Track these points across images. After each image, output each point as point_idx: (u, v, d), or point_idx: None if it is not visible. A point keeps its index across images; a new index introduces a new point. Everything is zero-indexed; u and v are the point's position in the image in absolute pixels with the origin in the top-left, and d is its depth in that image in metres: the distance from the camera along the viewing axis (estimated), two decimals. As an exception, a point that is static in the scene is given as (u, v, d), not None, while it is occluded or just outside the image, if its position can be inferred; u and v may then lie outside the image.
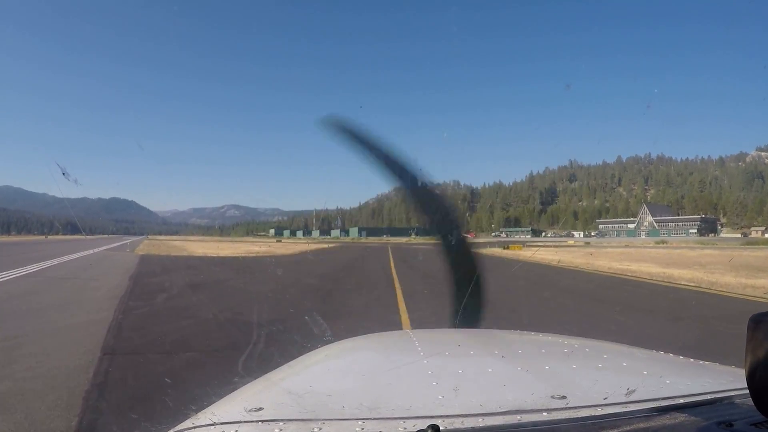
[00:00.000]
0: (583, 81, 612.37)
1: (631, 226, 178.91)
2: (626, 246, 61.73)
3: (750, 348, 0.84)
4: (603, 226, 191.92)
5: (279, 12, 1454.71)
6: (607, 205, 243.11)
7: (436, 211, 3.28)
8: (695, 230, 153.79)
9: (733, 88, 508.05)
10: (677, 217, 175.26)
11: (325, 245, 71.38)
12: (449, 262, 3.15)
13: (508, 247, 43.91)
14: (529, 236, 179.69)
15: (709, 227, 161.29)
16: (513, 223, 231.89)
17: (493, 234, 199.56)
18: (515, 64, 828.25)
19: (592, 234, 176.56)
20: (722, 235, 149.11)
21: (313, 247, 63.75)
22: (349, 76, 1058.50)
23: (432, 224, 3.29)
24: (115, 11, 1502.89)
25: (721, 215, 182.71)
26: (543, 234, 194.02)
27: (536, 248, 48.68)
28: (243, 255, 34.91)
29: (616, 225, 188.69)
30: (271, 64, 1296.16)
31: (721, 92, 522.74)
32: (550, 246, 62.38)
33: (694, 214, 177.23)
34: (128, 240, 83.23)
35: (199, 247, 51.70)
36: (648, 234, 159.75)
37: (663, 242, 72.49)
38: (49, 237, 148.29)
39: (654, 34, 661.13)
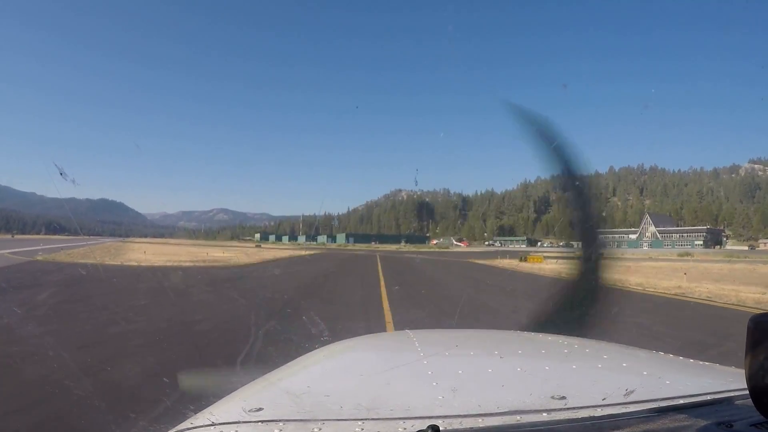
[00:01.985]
0: (575, 90, 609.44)
1: (633, 236, 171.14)
2: (650, 258, 53.45)
3: (750, 348, 0.84)
4: (602, 236, 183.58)
5: (273, 10, 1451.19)
6: (603, 215, 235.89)
7: (584, 211, 3.46)
8: (701, 242, 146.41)
9: (725, 100, 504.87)
10: (681, 228, 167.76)
11: (305, 252, 63.38)
12: (580, 271, 3.41)
13: (525, 259, 35.52)
14: (524, 246, 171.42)
15: (714, 239, 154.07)
16: (507, 231, 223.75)
17: (486, 243, 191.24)
18: (508, 69, 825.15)
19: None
20: (728, 247, 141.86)
21: (289, 254, 55.26)
22: (340, 78, 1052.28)
23: (577, 224, 3.48)
24: (107, 5, 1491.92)
25: (722, 226, 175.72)
26: (539, 244, 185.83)
27: (557, 260, 40.25)
28: (186, 264, 26.15)
29: (617, 236, 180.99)
30: (266, 64, 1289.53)
31: (713, 105, 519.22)
32: (567, 257, 53.55)
33: (693, 225, 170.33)
34: (93, 241, 74.10)
35: (154, 252, 42.97)
36: (651, 245, 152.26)
37: (687, 254, 64.36)
38: (16, 237, 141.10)
39: (647, 43, 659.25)
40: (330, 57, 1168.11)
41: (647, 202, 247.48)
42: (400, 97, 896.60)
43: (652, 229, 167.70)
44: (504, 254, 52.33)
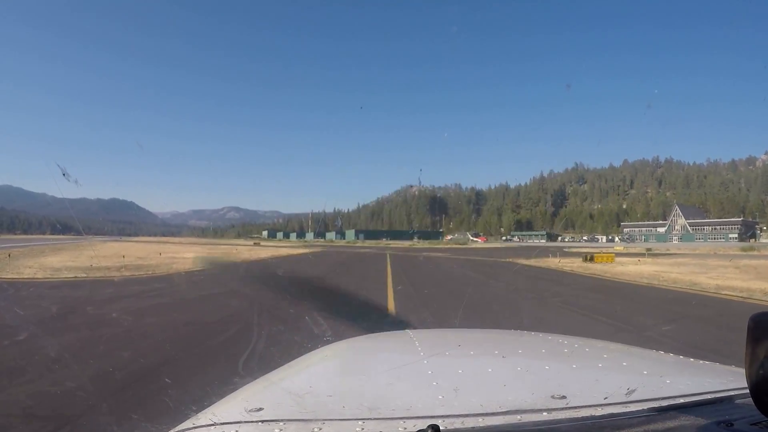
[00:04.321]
0: (587, 83, 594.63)
1: (662, 230, 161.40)
2: (716, 255, 44.60)
3: (750, 348, 0.83)
4: (628, 229, 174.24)
5: (280, 8, 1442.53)
6: (625, 207, 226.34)
7: None
8: (735, 234, 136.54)
9: (738, 91, 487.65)
10: (714, 220, 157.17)
11: (305, 250, 55.76)
12: None
13: (591, 259, 26.98)
14: (544, 240, 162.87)
15: (748, 231, 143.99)
16: (525, 226, 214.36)
17: (503, 238, 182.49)
18: (517, 64, 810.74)
19: (617, 239, 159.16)
20: (762, 240, 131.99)
21: (283, 252, 47.38)
22: (350, 74, 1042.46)
23: None
24: (115, 5, 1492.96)
25: (751, 218, 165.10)
26: (559, 238, 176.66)
27: (636, 259, 31.25)
28: (83, 276, 17.94)
29: (644, 229, 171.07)
30: (275, 63, 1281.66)
31: (726, 95, 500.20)
32: (628, 254, 44.35)
33: (720, 218, 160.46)
34: (74, 241, 67.33)
35: (109, 253, 35.42)
36: (681, 239, 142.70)
37: (751, 249, 55.30)
38: (1, 236, 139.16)
39: (656, 37, 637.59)
40: (338, 55, 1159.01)
41: (667, 194, 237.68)
42: (410, 93, 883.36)
43: (682, 221, 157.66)
44: (540, 251, 44.01)
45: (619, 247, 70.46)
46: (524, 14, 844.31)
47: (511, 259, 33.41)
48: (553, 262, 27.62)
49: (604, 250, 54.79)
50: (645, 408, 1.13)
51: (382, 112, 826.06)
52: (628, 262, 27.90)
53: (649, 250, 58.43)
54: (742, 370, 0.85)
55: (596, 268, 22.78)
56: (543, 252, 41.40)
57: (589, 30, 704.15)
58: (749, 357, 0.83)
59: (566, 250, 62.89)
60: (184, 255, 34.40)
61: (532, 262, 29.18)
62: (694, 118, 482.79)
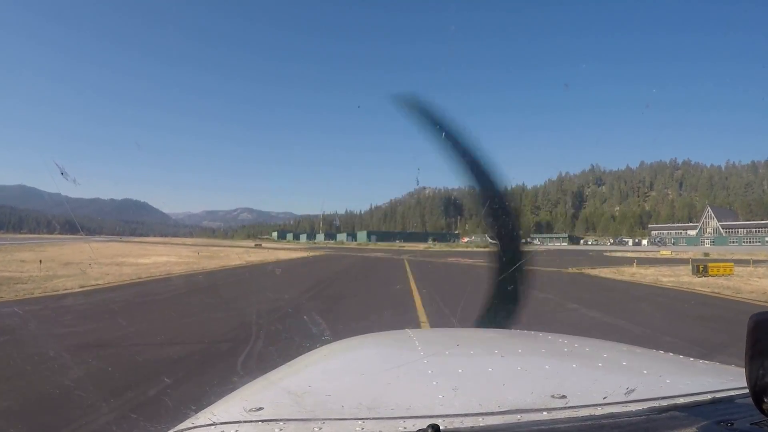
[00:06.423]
0: (600, 86, 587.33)
1: (692, 232, 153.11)
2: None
3: (750, 348, 0.84)
4: (656, 232, 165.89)
5: (295, 9, 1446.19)
6: (647, 209, 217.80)
7: (504, 222, 3.40)
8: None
9: (756, 93, 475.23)
10: (748, 223, 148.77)
11: (305, 254, 50.07)
12: (499, 273, 3.36)
13: (705, 271, 20.20)
14: (565, 244, 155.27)
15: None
16: (544, 228, 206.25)
17: (523, 241, 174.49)
18: (532, 67, 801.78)
19: (644, 242, 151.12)
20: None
21: (271, 257, 40.97)
22: (366, 76, 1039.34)
23: (497, 234, 3.45)
24: (138, 3, 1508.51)
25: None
26: (582, 241, 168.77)
27: (748, 269, 24.26)
28: None
29: (673, 231, 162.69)
30: (291, 64, 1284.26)
31: (742, 98, 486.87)
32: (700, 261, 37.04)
33: (747, 220, 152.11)
34: (67, 240, 63.33)
35: (82, 255, 30.08)
36: (714, 242, 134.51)
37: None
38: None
39: (666, 43, 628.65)
40: (355, 57, 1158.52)
41: (693, 196, 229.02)
42: (426, 95, 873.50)
43: (714, 223, 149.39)
44: (587, 257, 36.85)
45: (665, 252, 63.36)
46: (542, 18, 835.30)
47: (574, 269, 26.47)
48: (649, 275, 20.87)
49: (644, 254, 47.69)
50: (644, 408, 1.13)
51: (396, 113, 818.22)
52: (747, 273, 21.11)
53: (706, 254, 51.27)
54: (742, 370, 0.85)
55: (753, 289, 15.75)
56: (598, 259, 34.33)
57: (601, 35, 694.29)
58: (749, 357, 0.84)
59: (607, 254, 56.03)
60: (137, 261, 28.37)
61: (611, 273, 22.54)
62: (710, 121, 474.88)
